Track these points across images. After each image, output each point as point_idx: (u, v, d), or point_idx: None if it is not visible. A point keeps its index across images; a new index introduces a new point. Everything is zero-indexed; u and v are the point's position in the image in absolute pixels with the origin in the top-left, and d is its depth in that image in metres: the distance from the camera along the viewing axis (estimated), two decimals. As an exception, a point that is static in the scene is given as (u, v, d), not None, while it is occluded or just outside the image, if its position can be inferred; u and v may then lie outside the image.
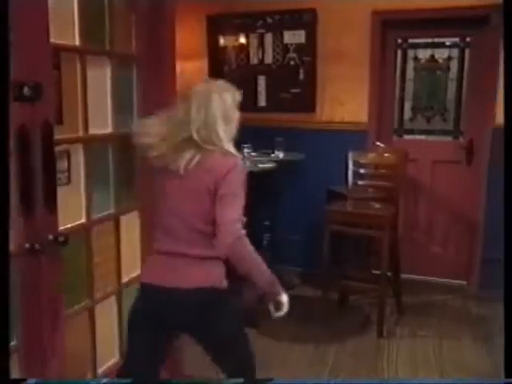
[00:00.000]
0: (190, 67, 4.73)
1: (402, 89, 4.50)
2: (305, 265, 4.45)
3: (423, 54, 4.42)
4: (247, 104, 4.70)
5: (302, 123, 4.49)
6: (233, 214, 1.77)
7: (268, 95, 4.69)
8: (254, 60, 4.69)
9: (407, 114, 4.54)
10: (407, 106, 4.53)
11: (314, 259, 4.09)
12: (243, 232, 1.77)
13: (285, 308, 1.88)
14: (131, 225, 2.49)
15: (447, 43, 4.35)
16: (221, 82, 1.98)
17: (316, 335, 3.45)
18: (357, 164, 3.77)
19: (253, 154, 3.71)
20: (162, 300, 1.84)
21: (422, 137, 4.52)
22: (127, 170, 2.46)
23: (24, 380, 1.48)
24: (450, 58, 4.34)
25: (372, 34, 4.31)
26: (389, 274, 3.64)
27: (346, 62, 4.39)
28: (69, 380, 1.93)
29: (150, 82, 2.43)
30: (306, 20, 4.44)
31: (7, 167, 1.43)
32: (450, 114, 4.41)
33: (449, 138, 4.47)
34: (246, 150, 3.57)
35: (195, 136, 1.82)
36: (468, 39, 4.25)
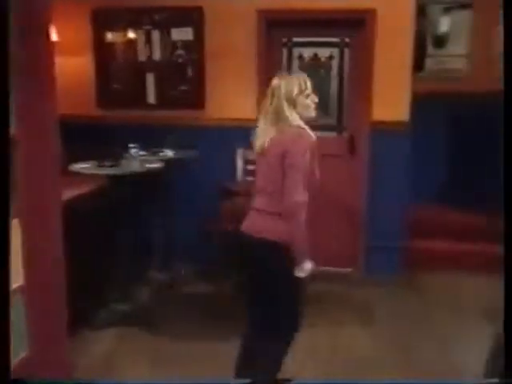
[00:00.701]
0: (73, 63, 4.59)
1: (289, 86, 4.64)
2: (200, 262, 4.48)
3: (307, 53, 4.59)
4: (135, 101, 4.69)
5: (192, 120, 4.51)
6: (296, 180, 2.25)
7: (157, 92, 4.66)
8: (142, 57, 4.64)
9: (294, 110, 4.69)
10: (294, 102, 4.68)
11: (209, 256, 4.15)
12: (302, 198, 2.24)
13: (307, 272, 2.35)
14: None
15: (329, 43, 4.54)
16: (292, 75, 2.56)
17: (216, 332, 3.47)
18: (246, 161, 3.85)
19: (141, 153, 3.66)
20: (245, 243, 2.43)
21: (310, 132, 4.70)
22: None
23: (24, 380, 1.50)
24: (331, 57, 4.54)
25: (258, 33, 4.41)
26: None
27: (234, 59, 4.46)
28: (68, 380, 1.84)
29: (26, 88, 2.34)
30: (193, 17, 4.45)
31: (7, 167, 1.32)
32: (333, 111, 4.63)
33: (333, 133, 4.68)
34: (133, 150, 3.52)
35: (270, 119, 2.36)
36: (347, 40, 4.48)
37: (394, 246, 4.39)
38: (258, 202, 2.43)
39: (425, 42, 5.39)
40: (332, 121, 4.65)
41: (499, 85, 5.52)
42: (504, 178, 1.38)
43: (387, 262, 4.37)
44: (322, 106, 4.66)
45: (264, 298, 2.45)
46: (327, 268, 4.63)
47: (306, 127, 2.35)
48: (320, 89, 4.63)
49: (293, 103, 2.36)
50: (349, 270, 4.65)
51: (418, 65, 5.11)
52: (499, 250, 1.86)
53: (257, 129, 2.43)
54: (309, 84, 2.44)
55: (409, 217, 4.48)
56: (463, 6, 5.35)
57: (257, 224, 2.40)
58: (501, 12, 2.78)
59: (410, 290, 4.24)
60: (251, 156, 3.95)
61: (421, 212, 4.86)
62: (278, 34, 4.55)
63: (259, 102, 4.49)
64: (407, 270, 4.45)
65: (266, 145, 2.35)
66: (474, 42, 5.34)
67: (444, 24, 5.38)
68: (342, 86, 4.56)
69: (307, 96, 2.42)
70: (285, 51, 4.61)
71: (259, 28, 4.40)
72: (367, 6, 4.20)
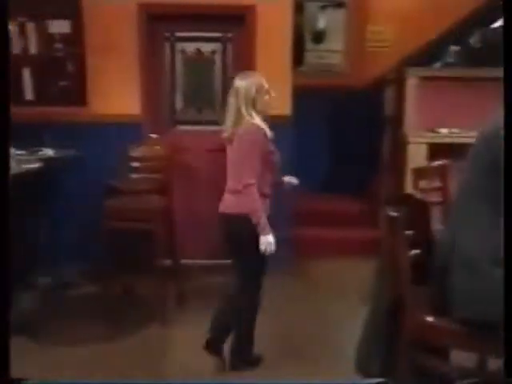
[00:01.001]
0: None
1: (173, 81, 4.64)
2: (85, 262, 4.36)
3: (190, 48, 4.61)
4: (11, 97, 4.44)
5: (74, 117, 4.36)
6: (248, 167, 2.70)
7: (35, 88, 4.45)
8: (16, 50, 4.41)
9: (179, 105, 4.70)
10: (179, 97, 4.69)
11: (95, 256, 4.05)
12: (253, 181, 2.67)
13: (270, 247, 2.73)
14: None
15: (211, 38, 4.59)
16: (250, 74, 2.94)
17: (99, 333, 3.41)
18: (129, 157, 3.81)
19: (18, 153, 3.49)
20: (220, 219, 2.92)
21: (195, 127, 4.72)
22: None
23: (24, 380, 1.49)
24: (214, 52, 4.60)
25: (139, 27, 4.36)
26: (169, 262, 3.77)
27: (116, 54, 4.37)
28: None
29: None
30: (70, 10, 4.30)
31: (7, 167, 1.36)
32: (217, 105, 4.68)
33: (218, 127, 4.71)
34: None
35: (233, 116, 2.79)
36: (229, 35, 4.55)
37: (282, 235, 4.52)
38: (228, 184, 2.88)
39: (304, 37, 5.60)
40: (217, 115, 4.69)
41: (371, 79, 5.88)
42: (504, 178, 1.48)
43: (276, 252, 4.49)
44: (206, 101, 4.74)
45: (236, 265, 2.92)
46: (220, 261, 4.70)
47: (261, 123, 2.77)
48: (204, 84, 4.70)
49: (252, 102, 2.77)
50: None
51: (298, 60, 5.32)
52: (378, 234, 2.01)
53: (225, 123, 2.86)
54: (265, 82, 2.83)
55: (295, 206, 4.66)
56: (339, 5, 5.63)
57: (227, 201, 2.88)
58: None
59: (297, 278, 4.41)
60: (136, 153, 3.94)
61: (306, 201, 5.07)
62: (161, 28, 4.53)
63: (143, 97, 4.52)
64: (296, 258, 4.62)
65: (231, 137, 2.81)
66: (348, 39, 5.64)
67: (321, 21, 5.63)
68: (225, 81, 4.63)
69: (266, 93, 2.81)
70: (167, 46, 4.59)
71: (140, 22, 4.35)
72: (247, 2, 4.29)
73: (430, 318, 1.88)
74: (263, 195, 2.77)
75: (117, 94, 4.42)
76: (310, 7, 5.62)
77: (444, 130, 4.52)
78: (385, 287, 2.03)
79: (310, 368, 3.02)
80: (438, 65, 4.81)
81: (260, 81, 2.81)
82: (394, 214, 1.86)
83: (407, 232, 1.95)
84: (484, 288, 1.77)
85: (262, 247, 2.71)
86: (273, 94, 2.85)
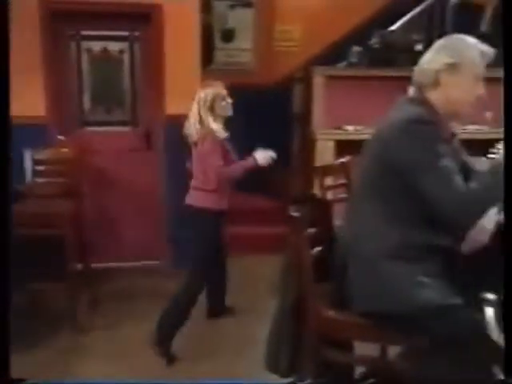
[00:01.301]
0: None
1: (80, 80, 4.52)
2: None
3: (96, 47, 4.50)
4: None
5: (-27, 119, 4.14)
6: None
7: None
8: None
9: (87, 105, 4.59)
10: (87, 97, 4.58)
11: None
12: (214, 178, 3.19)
13: (266, 159, 3.32)
14: None
15: (118, 37, 4.51)
16: (210, 83, 3.32)
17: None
18: (35, 161, 3.68)
19: None
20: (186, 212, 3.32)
21: (104, 127, 4.63)
22: None
23: (24, 380, 1.50)
24: (122, 51, 4.52)
25: (41, 25, 4.20)
26: (79, 266, 3.68)
27: (19, 53, 4.17)
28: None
29: None
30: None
31: (7, 168, 1.39)
32: (127, 105, 4.62)
33: (128, 128, 4.67)
34: None
35: (195, 121, 3.21)
36: (137, 34, 4.49)
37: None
38: (193, 181, 3.31)
39: (213, 36, 5.63)
40: (126, 115, 4.64)
41: (280, 77, 6.00)
42: (505, 179, 1.52)
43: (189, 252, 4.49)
44: (115, 101, 4.65)
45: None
46: (135, 263, 4.67)
47: (219, 128, 3.21)
48: (112, 83, 4.61)
49: (210, 109, 3.18)
50: (157, 262, 4.71)
51: (208, 58, 5.34)
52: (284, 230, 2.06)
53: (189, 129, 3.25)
54: (222, 89, 3.27)
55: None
56: (247, 4, 5.70)
57: (192, 196, 3.27)
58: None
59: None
60: (41, 156, 3.81)
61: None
62: (65, 26, 4.39)
63: (49, 97, 4.36)
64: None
65: (196, 141, 3.21)
66: (257, 38, 5.73)
67: (230, 20, 5.68)
68: (134, 81, 4.57)
69: (222, 99, 3.23)
70: (73, 45, 4.46)
71: (42, 20, 4.19)
72: (154, 1, 4.26)
73: (331, 313, 1.97)
74: (223, 188, 3.27)
75: (19, 95, 4.22)
76: (219, 6, 5.66)
77: (350, 128, 4.70)
78: (290, 284, 2.10)
79: (222, 366, 3.07)
80: (342, 64, 4.99)
81: (217, 89, 3.24)
82: (296, 213, 1.94)
83: (310, 230, 2.03)
84: (380, 282, 1.87)
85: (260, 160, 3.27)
86: (230, 100, 3.29)
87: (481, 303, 1.21)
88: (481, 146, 2.92)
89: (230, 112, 3.32)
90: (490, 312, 1.17)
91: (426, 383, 1.86)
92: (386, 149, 1.91)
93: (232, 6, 5.68)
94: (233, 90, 5.43)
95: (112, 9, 4.25)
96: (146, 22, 4.37)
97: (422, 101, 1.96)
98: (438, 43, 2.01)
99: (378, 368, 2.28)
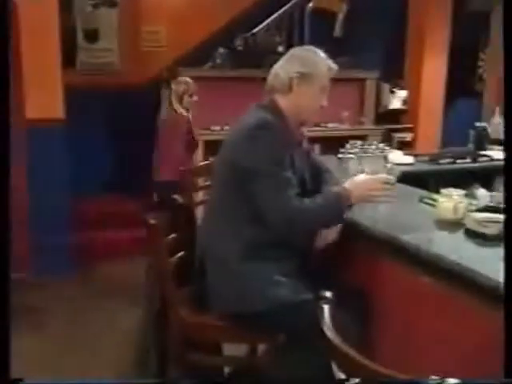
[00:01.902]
0: None
1: None
2: None
3: None
4: None
5: None
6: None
7: None
8: None
9: None
10: None
11: None
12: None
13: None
14: None
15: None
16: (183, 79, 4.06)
17: None
18: None
19: None
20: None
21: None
22: None
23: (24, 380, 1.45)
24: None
25: None
26: None
27: None
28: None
29: None
30: None
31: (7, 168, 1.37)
32: None
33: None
34: None
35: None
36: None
37: (63, 242, 4.37)
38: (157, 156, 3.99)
39: (75, 36, 5.44)
40: None
41: (148, 78, 5.96)
42: (505, 178, 1.50)
43: (58, 261, 4.33)
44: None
45: None
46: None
47: (186, 113, 3.93)
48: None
49: (179, 99, 3.92)
50: (20, 274, 4.44)
51: (71, 59, 5.16)
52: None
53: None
54: (192, 86, 3.97)
55: (76, 211, 4.54)
56: (111, 4, 5.57)
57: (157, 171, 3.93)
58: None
59: (80, 285, 4.29)
60: None
61: (88, 204, 4.98)
62: None
63: None
64: (79, 264, 4.48)
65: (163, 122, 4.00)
66: (122, 38, 5.64)
67: (94, 19, 5.53)
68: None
69: (190, 96, 3.93)
70: None
71: None
72: (6, -1, 4.03)
73: (192, 317, 2.01)
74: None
75: None
76: (81, 6, 5.46)
77: (217, 128, 4.79)
78: (154, 289, 2.13)
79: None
80: (208, 65, 5.07)
81: (188, 85, 3.95)
82: (153, 221, 1.95)
83: (170, 237, 2.06)
84: (234, 283, 1.94)
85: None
86: (195, 98, 3.97)
87: (320, 300, 1.31)
88: (339, 143, 3.17)
89: (193, 108, 4.02)
90: (326, 309, 1.28)
91: (285, 380, 1.96)
92: (233, 153, 1.98)
93: (95, 6, 5.52)
94: (99, 91, 5.35)
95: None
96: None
97: (271, 106, 2.06)
98: (292, 52, 2.13)
99: (244, 367, 2.34)
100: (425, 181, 3.00)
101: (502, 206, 2.02)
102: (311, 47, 2.18)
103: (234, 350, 2.36)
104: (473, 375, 1.59)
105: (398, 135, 5.29)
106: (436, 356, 1.74)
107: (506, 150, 1.43)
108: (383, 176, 1.97)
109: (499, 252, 1.63)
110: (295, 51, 2.15)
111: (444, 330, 1.71)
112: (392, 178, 1.97)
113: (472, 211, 1.93)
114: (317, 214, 1.92)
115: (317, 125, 4.91)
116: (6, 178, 1.53)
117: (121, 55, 5.68)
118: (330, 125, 4.97)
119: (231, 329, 1.98)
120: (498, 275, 1.48)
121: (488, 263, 1.60)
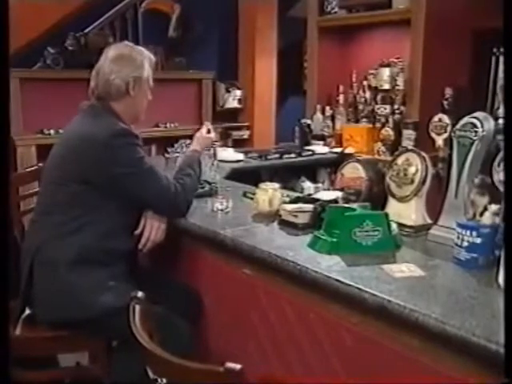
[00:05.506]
0: None
1: None
2: None
3: None
4: None
5: None
6: None
7: None
8: None
9: None
10: None
11: None
12: None
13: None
14: None
15: None
16: None
17: None
18: None
19: None
20: None
21: None
22: None
23: None
24: None
25: None
26: None
27: None
28: None
29: None
30: None
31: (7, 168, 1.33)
32: None
33: None
34: None
35: None
36: None
37: None
38: None
39: None
40: None
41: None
42: (505, 178, 1.40)
43: None
44: None
45: None
46: None
47: None
48: None
49: None
50: None
51: None
52: None
53: None
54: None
55: None
56: None
57: None
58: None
59: None
60: None
61: None
62: None
63: None
64: None
65: None
66: None
67: None
68: None
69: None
70: None
71: None
72: None
73: (16, 334, 1.93)
74: None
75: None
76: None
77: (52, 131, 4.60)
78: None
79: None
80: (38, 66, 4.84)
81: None
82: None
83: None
84: (62, 290, 1.90)
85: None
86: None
87: (131, 301, 1.35)
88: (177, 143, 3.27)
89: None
90: (137, 309, 1.32)
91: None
92: (83, 162, 1.94)
93: None
94: None
95: None
96: None
97: (110, 111, 2.05)
98: (116, 54, 2.08)
99: (83, 377, 2.27)
100: (258, 176, 3.18)
101: (312, 196, 2.24)
102: (129, 43, 2.21)
103: (74, 358, 2.31)
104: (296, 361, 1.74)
105: (235, 133, 5.48)
106: (262, 344, 1.87)
107: (506, 150, 1.44)
108: (207, 124, 2.50)
109: (306, 239, 1.82)
110: (119, 52, 2.10)
111: (268, 319, 1.84)
112: (208, 123, 2.53)
113: (286, 203, 2.09)
114: (190, 179, 2.12)
115: (156, 125, 4.95)
116: (5, 177, 1.40)
117: None
118: (169, 125, 5.01)
119: (61, 339, 1.93)
120: (302, 260, 1.64)
121: (295, 250, 1.75)
